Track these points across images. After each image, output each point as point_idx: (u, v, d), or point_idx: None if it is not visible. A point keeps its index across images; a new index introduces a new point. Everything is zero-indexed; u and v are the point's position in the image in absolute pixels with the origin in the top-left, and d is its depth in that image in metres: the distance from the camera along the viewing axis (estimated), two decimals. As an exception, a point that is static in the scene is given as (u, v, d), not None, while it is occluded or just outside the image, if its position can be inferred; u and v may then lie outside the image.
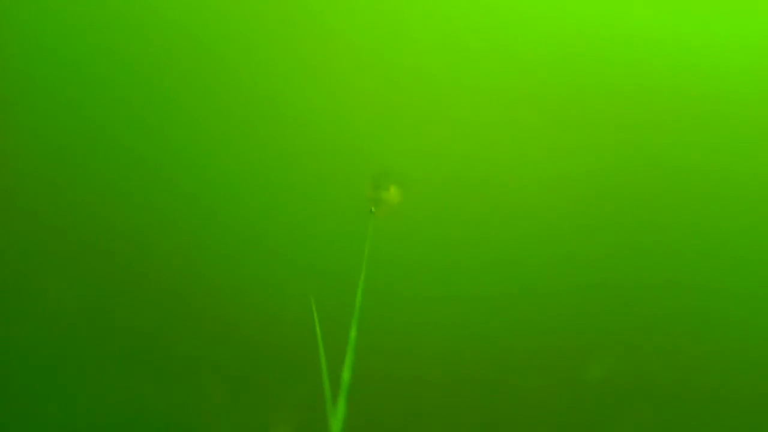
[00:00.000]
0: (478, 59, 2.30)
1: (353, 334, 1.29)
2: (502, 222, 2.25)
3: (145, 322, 2.11)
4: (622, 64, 2.30)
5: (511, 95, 2.29)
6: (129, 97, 2.23)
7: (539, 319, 2.19)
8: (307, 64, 2.27)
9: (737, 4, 2.31)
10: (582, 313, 2.20)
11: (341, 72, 2.28)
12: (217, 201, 2.22)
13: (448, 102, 2.29)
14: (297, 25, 2.27)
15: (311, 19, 2.28)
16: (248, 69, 2.28)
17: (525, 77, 2.29)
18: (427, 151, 2.25)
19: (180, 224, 2.18)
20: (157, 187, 2.20)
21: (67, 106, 2.23)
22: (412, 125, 2.26)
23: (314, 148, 2.24)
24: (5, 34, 2.19)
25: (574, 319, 2.19)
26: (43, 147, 2.20)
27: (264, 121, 2.26)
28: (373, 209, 1.31)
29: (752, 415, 2.14)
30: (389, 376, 2.11)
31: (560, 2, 2.29)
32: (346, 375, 1.25)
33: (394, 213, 1.39)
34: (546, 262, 2.23)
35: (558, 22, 2.29)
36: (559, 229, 2.24)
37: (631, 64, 2.30)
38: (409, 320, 2.18)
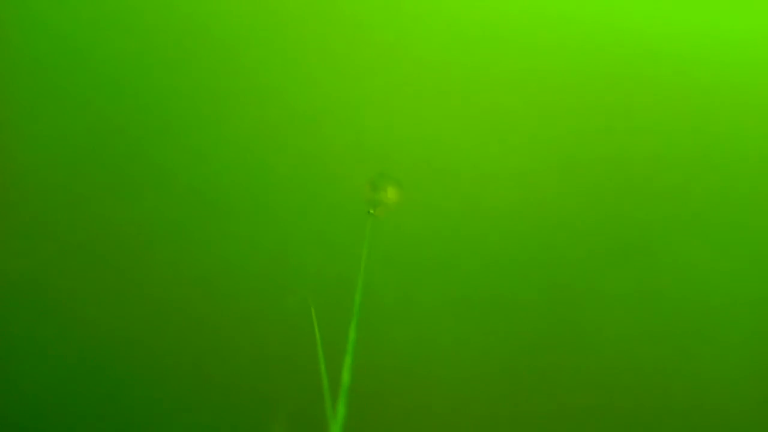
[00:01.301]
0: (483, 53, 2.30)
1: (352, 335, 1.29)
2: (504, 218, 2.25)
3: (143, 324, 2.11)
4: (618, 55, 2.30)
5: (519, 94, 2.29)
6: (131, 88, 2.23)
7: (536, 318, 2.19)
8: (301, 66, 2.27)
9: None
10: (574, 310, 2.20)
11: (340, 71, 2.28)
12: (215, 202, 2.21)
13: (453, 101, 2.29)
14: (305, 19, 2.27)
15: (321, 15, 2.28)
16: (247, 65, 2.28)
17: (531, 73, 2.30)
18: (427, 148, 2.25)
19: (178, 225, 2.18)
20: (154, 186, 2.20)
21: (75, 101, 2.23)
22: (414, 124, 2.26)
23: (314, 147, 2.24)
24: (9, 27, 2.19)
25: (567, 317, 2.20)
26: (51, 143, 2.20)
27: (260, 121, 2.26)
28: (371, 211, 1.32)
29: (748, 416, 2.14)
30: (389, 377, 2.11)
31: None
32: (345, 377, 1.25)
33: (392, 213, 1.39)
34: (545, 259, 2.23)
35: (552, 12, 2.30)
36: (559, 224, 2.24)
37: (626, 54, 2.30)
38: (408, 322, 2.18)
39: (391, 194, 1.29)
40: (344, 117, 2.26)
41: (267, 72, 2.28)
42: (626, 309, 2.21)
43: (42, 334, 2.09)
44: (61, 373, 2.07)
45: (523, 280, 2.22)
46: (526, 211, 2.25)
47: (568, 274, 2.23)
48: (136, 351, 2.08)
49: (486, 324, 2.20)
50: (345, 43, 2.29)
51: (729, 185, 2.26)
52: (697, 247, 2.24)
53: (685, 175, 2.27)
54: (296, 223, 2.22)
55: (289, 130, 2.25)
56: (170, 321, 2.11)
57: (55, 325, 2.09)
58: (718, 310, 2.23)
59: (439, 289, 2.21)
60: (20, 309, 2.10)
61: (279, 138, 2.25)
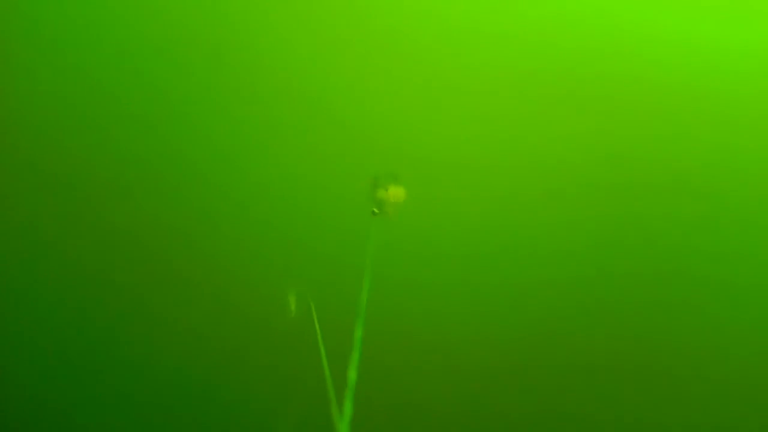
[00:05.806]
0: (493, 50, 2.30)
1: (358, 333, 1.29)
2: (509, 213, 2.25)
3: (143, 325, 2.11)
4: (624, 56, 2.30)
5: (526, 91, 2.29)
6: (133, 80, 2.24)
7: (541, 311, 2.20)
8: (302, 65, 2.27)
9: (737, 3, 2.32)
10: (577, 303, 2.20)
11: (347, 67, 2.28)
12: (219, 197, 2.22)
13: (460, 98, 2.29)
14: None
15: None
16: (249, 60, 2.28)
17: (536, 71, 2.30)
18: (436, 143, 2.25)
19: (180, 219, 2.19)
20: (159, 182, 2.20)
21: (83, 90, 2.23)
22: (419, 123, 2.27)
23: (319, 142, 2.25)
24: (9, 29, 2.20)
25: (570, 309, 2.20)
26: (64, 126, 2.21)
27: (263, 118, 2.27)
28: (375, 210, 1.32)
29: (748, 410, 2.14)
30: (396, 374, 2.11)
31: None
32: (351, 375, 1.25)
33: (396, 212, 1.39)
34: (551, 253, 2.23)
35: (560, 11, 2.30)
36: (565, 220, 2.24)
37: (633, 56, 2.30)
38: (414, 315, 2.18)
39: (395, 192, 1.29)
40: (349, 112, 2.26)
41: (275, 70, 2.28)
42: (627, 299, 2.21)
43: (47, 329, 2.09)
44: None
45: (537, 274, 2.22)
46: (532, 205, 2.25)
47: (573, 266, 2.23)
48: (135, 352, 2.09)
49: (497, 318, 2.20)
50: (348, 36, 2.29)
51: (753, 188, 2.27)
52: (713, 246, 2.24)
53: (699, 178, 2.27)
54: (303, 218, 2.22)
55: (294, 126, 2.26)
56: (170, 319, 2.12)
57: (63, 329, 2.10)
58: (727, 304, 2.23)
59: (448, 282, 2.21)
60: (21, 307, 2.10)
61: (282, 134, 2.25)
